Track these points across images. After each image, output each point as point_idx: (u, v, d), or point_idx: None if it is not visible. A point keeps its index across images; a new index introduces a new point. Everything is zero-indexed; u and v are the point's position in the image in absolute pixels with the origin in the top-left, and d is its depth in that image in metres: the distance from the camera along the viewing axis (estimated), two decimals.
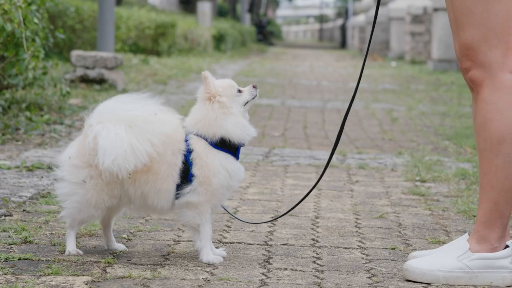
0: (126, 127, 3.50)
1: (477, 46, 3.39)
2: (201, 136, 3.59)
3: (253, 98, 3.69)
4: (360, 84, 3.86)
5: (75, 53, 11.46)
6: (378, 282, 3.43)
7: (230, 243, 3.99)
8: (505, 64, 3.38)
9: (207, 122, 3.59)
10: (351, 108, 3.83)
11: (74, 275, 3.34)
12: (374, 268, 3.63)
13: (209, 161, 3.56)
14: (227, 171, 3.58)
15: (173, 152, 3.56)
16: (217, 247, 3.81)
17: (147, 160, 3.50)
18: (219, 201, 3.65)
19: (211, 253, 3.61)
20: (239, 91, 3.67)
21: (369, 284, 3.41)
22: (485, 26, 3.37)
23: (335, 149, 3.84)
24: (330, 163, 6.44)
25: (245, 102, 3.67)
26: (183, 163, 3.56)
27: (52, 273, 3.35)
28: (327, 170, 6.16)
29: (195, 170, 3.56)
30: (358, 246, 4.02)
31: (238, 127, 3.60)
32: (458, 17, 3.42)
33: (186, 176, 3.56)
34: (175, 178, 3.56)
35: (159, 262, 3.59)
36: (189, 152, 3.56)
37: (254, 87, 3.71)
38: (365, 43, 31.94)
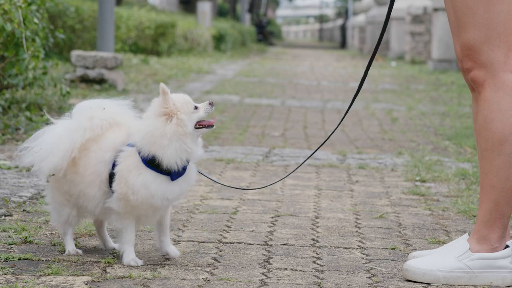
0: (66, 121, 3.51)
1: (479, 46, 3.39)
2: (138, 150, 3.41)
3: (208, 127, 3.44)
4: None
5: (75, 53, 11.47)
6: (378, 282, 3.43)
7: (230, 243, 3.98)
8: (507, 64, 3.38)
9: (152, 138, 3.38)
10: (351, 108, 3.83)
11: (74, 275, 3.34)
12: (374, 268, 3.63)
13: (130, 179, 3.39)
14: (149, 191, 3.39)
15: (99, 161, 3.46)
16: (217, 247, 3.81)
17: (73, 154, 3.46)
18: (145, 216, 3.51)
19: (131, 255, 3.51)
20: (196, 107, 3.45)
21: (369, 284, 3.41)
22: (487, 26, 3.37)
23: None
24: (330, 163, 6.47)
25: (200, 118, 3.43)
26: (110, 174, 3.44)
27: (52, 273, 3.35)
28: (327, 170, 6.19)
29: (114, 184, 3.43)
30: (358, 246, 4.01)
31: (178, 152, 3.37)
32: (459, 17, 3.41)
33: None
34: (101, 186, 3.46)
35: (159, 262, 3.59)
36: (114, 165, 3.44)
37: (210, 104, 3.45)
38: (365, 43, 31.93)
